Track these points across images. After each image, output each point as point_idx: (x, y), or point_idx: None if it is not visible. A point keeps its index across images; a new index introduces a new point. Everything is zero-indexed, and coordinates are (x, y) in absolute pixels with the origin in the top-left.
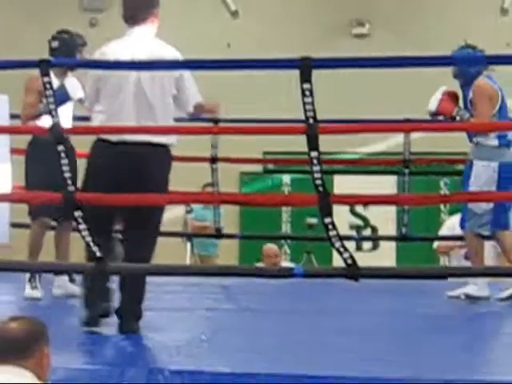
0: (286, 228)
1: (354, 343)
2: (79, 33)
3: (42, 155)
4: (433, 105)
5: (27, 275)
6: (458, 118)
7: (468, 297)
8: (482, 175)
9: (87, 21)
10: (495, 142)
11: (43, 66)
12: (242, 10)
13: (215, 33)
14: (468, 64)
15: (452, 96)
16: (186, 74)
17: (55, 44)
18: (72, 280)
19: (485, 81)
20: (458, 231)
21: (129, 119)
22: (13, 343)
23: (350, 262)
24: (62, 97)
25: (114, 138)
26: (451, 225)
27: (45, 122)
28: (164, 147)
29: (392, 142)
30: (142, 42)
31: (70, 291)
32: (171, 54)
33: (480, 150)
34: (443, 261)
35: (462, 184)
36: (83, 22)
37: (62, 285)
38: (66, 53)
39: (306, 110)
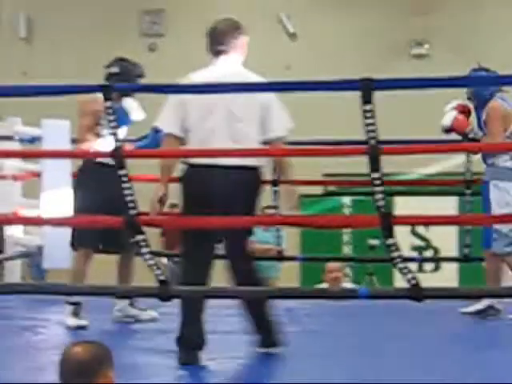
0: (347, 249)
1: (419, 364)
2: (138, 63)
3: (92, 180)
4: (447, 121)
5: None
6: (471, 135)
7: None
8: (501, 197)
9: (146, 45)
10: (510, 164)
11: (106, 90)
12: (300, 32)
13: (274, 55)
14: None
15: (466, 111)
16: (275, 104)
17: (115, 69)
18: (132, 304)
19: (498, 102)
20: None
21: (220, 144)
22: (77, 367)
23: (413, 282)
24: (123, 119)
25: (204, 162)
26: None
27: (101, 145)
28: (255, 169)
29: (452, 162)
30: (228, 70)
31: (131, 314)
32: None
33: (496, 171)
34: None
35: (483, 205)
36: (143, 47)
37: (123, 309)
38: (124, 80)
39: (367, 131)
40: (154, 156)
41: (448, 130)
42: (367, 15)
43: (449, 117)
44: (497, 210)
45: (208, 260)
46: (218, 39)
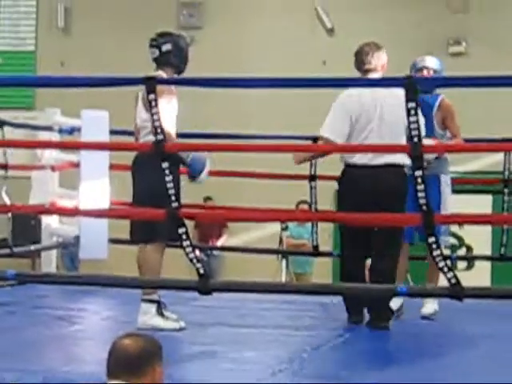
0: None
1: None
2: (181, 33)
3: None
4: None
5: (151, 309)
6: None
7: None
8: (449, 190)
9: None
10: (447, 156)
11: (149, 83)
12: (338, 28)
13: (311, 50)
14: None
15: None
16: None
17: (167, 47)
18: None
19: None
20: None
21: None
22: (125, 360)
23: (453, 281)
24: None
25: (359, 162)
26: None
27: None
28: (401, 167)
29: (487, 160)
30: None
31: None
32: (400, 92)
33: (445, 163)
34: None
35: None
36: None
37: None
38: (180, 56)
39: (410, 129)
40: (195, 149)
41: None
42: (405, 12)
43: None
44: (447, 204)
45: (361, 253)
46: (364, 59)
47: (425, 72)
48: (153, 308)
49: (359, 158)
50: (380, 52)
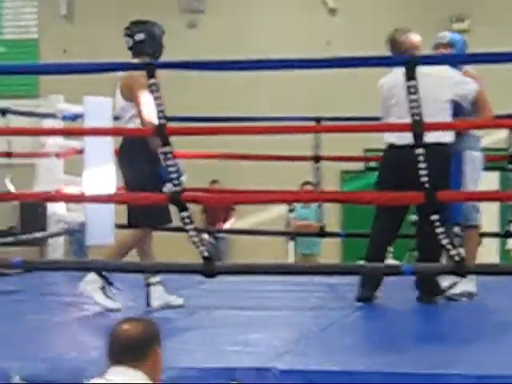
0: None
1: None
2: (154, 21)
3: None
4: None
5: (97, 283)
6: None
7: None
8: (476, 168)
9: (186, 22)
10: (476, 132)
11: (150, 68)
12: (341, 8)
13: (314, 31)
14: None
15: None
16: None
17: (141, 36)
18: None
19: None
20: None
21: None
22: (126, 345)
23: (457, 258)
24: None
25: (398, 142)
26: None
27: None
28: (439, 145)
29: (493, 137)
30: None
31: (169, 301)
32: (436, 71)
33: (472, 140)
34: None
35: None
36: (182, 24)
37: (161, 296)
38: (154, 44)
39: (411, 107)
40: (198, 133)
41: None
42: None
43: None
44: (468, 181)
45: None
46: (396, 41)
47: (441, 48)
48: (98, 284)
49: (394, 138)
50: (409, 34)
